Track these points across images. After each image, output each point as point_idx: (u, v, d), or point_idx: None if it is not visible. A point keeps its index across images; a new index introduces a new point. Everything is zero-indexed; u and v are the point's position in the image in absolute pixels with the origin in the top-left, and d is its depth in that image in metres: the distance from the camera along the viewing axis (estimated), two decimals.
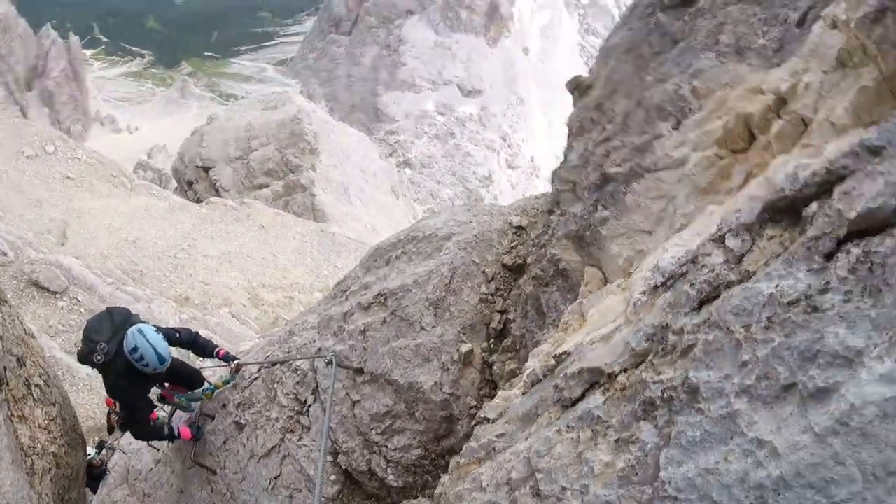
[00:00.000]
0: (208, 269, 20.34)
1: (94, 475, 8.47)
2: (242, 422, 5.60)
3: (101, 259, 19.68)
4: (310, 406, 5.10)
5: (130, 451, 8.43)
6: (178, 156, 34.52)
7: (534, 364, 2.70)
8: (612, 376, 2.02)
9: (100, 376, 5.34)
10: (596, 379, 2.10)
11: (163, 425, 5.81)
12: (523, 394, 2.65)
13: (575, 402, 2.17)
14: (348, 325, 4.99)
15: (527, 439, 2.32)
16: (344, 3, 76.48)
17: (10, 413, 4.01)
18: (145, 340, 4.94)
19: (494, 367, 4.27)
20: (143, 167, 50.97)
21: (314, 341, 5.23)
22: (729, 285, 1.75)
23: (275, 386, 5.39)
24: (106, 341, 5.05)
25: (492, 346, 4.44)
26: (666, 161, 2.67)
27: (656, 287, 2.08)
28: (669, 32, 3.04)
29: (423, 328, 4.49)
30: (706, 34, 2.87)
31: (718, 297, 1.77)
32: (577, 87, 4.01)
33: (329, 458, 4.91)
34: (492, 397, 4.25)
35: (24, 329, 5.06)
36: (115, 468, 8.26)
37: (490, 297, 4.61)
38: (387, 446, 4.55)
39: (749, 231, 1.79)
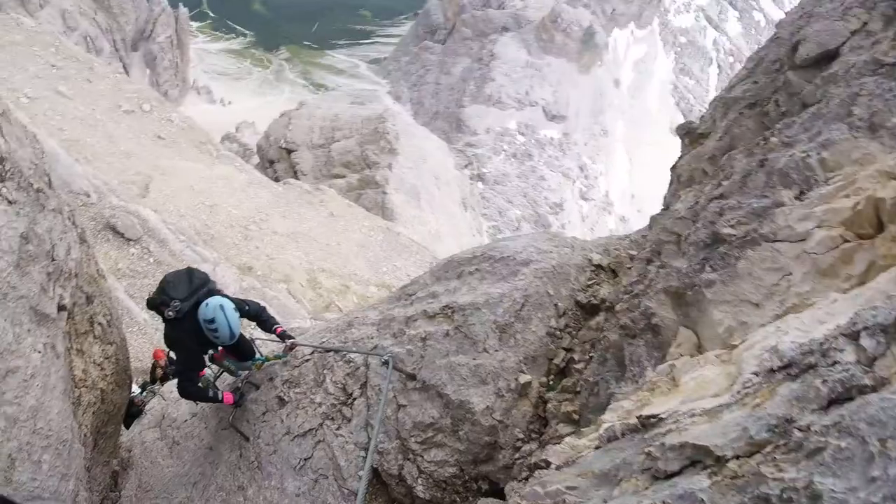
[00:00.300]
0: (275, 244, 20.86)
1: (132, 412, 8.72)
2: (286, 398, 5.66)
3: (177, 216, 20.37)
4: (355, 399, 5.11)
5: (170, 399, 8.65)
6: (264, 134, 35.58)
7: (612, 419, 2.59)
8: (721, 460, 1.91)
9: (158, 325, 5.52)
10: (700, 458, 1.98)
11: (208, 386, 5.95)
12: (597, 447, 2.55)
13: (669, 476, 2.06)
14: (410, 329, 4.99)
15: (606, 502, 2.21)
16: (442, 13, 77.41)
17: (69, 345, 4.17)
18: (224, 316, 5.10)
19: (549, 405, 4.18)
20: (229, 139, 52.52)
21: (372, 337, 5.26)
22: (863, 390, 1.64)
23: (325, 372, 5.43)
24: (181, 300, 5.21)
25: (551, 382, 4.36)
26: (786, 233, 2.54)
27: (772, 371, 1.97)
28: (799, 94, 2.93)
29: (485, 350, 4.45)
30: (839, 103, 2.75)
31: (851, 399, 1.66)
32: (689, 134, 3.92)
33: (362, 453, 4.91)
34: (540, 434, 4.16)
35: (98, 270, 5.27)
36: (152, 411, 8.49)
37: (558, 333, 4.53)
38: (423, 457, 4.52)
39: (885, 333, 1.68)
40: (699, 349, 2.90)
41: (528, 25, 70.75)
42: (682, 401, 2.36)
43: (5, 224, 3.21)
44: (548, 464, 2.75)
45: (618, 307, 3.49)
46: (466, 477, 4.38)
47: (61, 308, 3.77)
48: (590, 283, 4.76)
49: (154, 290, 5.53)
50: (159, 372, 13.26)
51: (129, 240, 18.14)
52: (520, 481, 3.84)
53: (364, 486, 2.75)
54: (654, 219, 4.27)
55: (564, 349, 4.46)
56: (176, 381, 10.94)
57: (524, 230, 50.24)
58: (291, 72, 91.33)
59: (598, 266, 4.86)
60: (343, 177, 29.74)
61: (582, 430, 2.97)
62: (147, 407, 9.36)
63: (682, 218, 3.27)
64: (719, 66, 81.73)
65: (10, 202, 3.33)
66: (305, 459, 5.23)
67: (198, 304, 5.26)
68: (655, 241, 3.49)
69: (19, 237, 3.28)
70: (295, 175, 30.20)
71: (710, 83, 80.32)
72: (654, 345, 3.20)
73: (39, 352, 3.33)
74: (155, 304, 5.43)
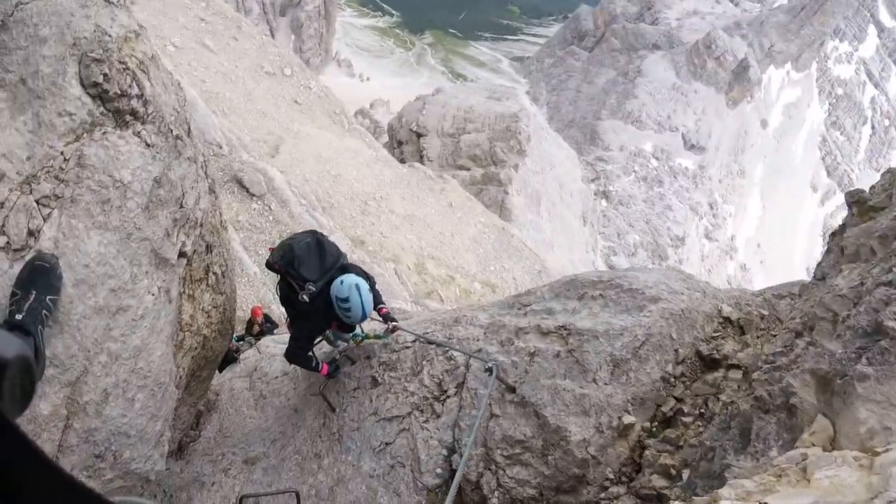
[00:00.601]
0: (390, 223, 21.32)
1: (227, 357, 9.12)
2: (379, 380, 5.67)
3: (301, 180, 21.18)
4: (448, 397, 5.05)
5: (264, 353, 8.95)
6: (397, 115, 36.42)
7: (730, 497, 2.37)
8: None
9: (267, 280, 5.59)
10: None
11: (311, 356, 6.04)
12: None
13: None
14: (518, 341, 4.86)
15: None
16: (592, 20, 76.12)
17: (182, 290, 4.26)
18: (359, 297, 5.05)
19: (647, 452, 3.93)
20: (362, 114, 54.21)
21: (478, 340, 5.17)
22: None
23: (423, 363, 5.40)
24: (314, 282, 5.19)
25: (654, 429, 4.10)
26: None
27: None
28: None
29: (594, 380, 4.25)
30: None
31: None
32: (858, 203, 3.52)
33: (444, 451, 4.85)
34: (630, 479, 3.93)
35: (221, 221, 5.37)
36: (245, 361, 8.79)
37: (672, 380, 4.25)
38: (505, 471, 4.39)
39: None
40: (832, 443, 2.60)
41: (679, 47, 68.34)
42: (813, 499, 2.11)
43: (140, 166, 3.29)
44: None
45: (755, 375, 3.20)
46: (545, 502, 4.22)
47: (182, 254, 3.86)
48: (715, 334, 4.43)
49: (277, 252, 5.47)
50: (255, 328, 13.85)
51: (252, 195, 19.03)
52: None
53: (453, 494, 2.67)
54: (806, 287, 3.90)
55: (675, 398, 4.17)
56: (271, 337, 11.40)
57: (640, 257, 48.66)
58: (433, 57, 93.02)
59: (727, 319, 4.52)
60: (468, 169, 29.94)
61: (695, 498, 2.73)
62: (242, 356, 9.75)
63: (843, 296, 2.94)
64: (873, 127, 75.79)
65: (148, 145, 3.42)
66: (386, 444, 5.22)
67: (330, 281, 5.24)
68: (808, 314, 3.16)
69: (152, 180, 3.36)
70: (421, 160, 30.72)
71: (861, 143, 74.69)
72: (786, 426, 2.91)
73: (153, 294, 3.41)
74: (274, 269, 5.44)
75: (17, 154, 2.93)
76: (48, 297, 2.79)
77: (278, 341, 10.56)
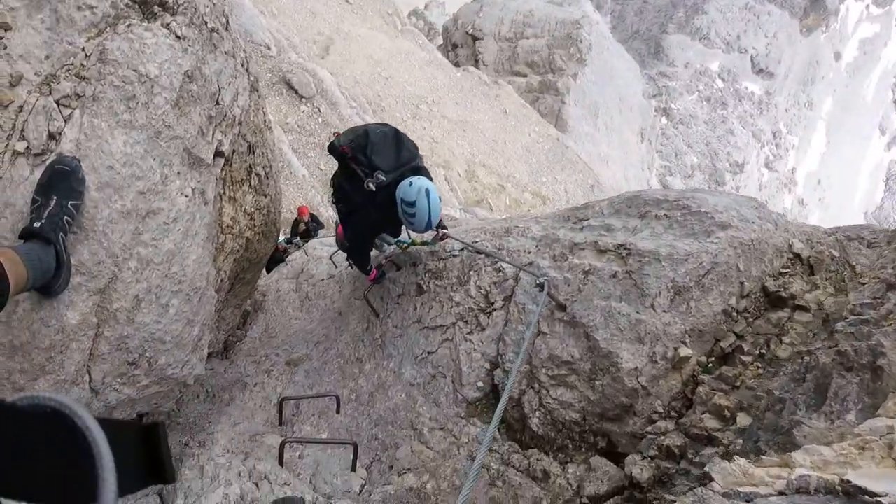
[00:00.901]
0: (442, 129, 20.84)
1: (275, 258, 9.18)
2: (425, 288, 5.53)
3: (352, 82, 20.76)
4: (495, 309, 4.86)
5: (312, 256, 8.98)
6: (453, 16, 35.03)
7: (805, 463, 2.10)
8: None
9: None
10: None
11: (368, 257, 5.82)
12: (780, 493, 2.09)
13: None
14: (573, 257, 4.58)
15: None
16: None
17: (222, 191, 4.10)
18: (427, 203, 4.65)
19: (700, 389, 3.67)
20: (416, 15, 52.34)
21: (529, 252, 4.90)
22: None
23: (471, 273, 5.20)
24: (386, 172, 4.81)
25: (710, 365, 3.83)
26: None
27: None
28: None
29: (652, 307, 3.95)
30: None
31: None
32: None
33: (486, 365, 4.72)
34: (680, 415, 3.71)
35: (265, 120, 5.09)
36: (293, 262, 8.83)
37: (734, 314, 3.93)
38: (549, 391, 4.23)
39: None
40: None
41: None
42: None
43: (169, 59, 3.04)
44: (709, 478, 2.33)
45: (839, 326, 2.87)
46: (587, 427, 4.05)
47: (218, 154, 3.64)
48: (783, 271, 4.06)
49: (347, 136, 5.10)
50: (301, 226, 13.97)
51: (301, 97, 18.74)
52: (644, 458, 3.47)
53: (500, 411, 2.49)
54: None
55: (736, 334, 3.87)
56: (318, 240, 11.41)
57: (696, 180, 47.23)
58: None
59: (797, 256, 4.14)
60: (524, 76, 28.82)
61: (763, 458, 2.48)
62: (289, 258, 9.82)
63: None
64: None
65: (178, 37, 3.16)
66: (429, 353, 5.12)
67: (401, 178, 4.84)
68: None
69: (183, 75, 3.11)
70: (475, 64, 29.68)
71: None
72: (869, 388, 2.60)
73: (187, 196, 3.22)
74: (338, 153, 5.04)
75: (34, 54, 2.79)
76: (70, 202, 2.62)
77: (325, 244, 10.60)
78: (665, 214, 4.47)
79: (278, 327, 6.72)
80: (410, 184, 4.70)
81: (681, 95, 53.95)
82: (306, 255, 9.42)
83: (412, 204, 4.65)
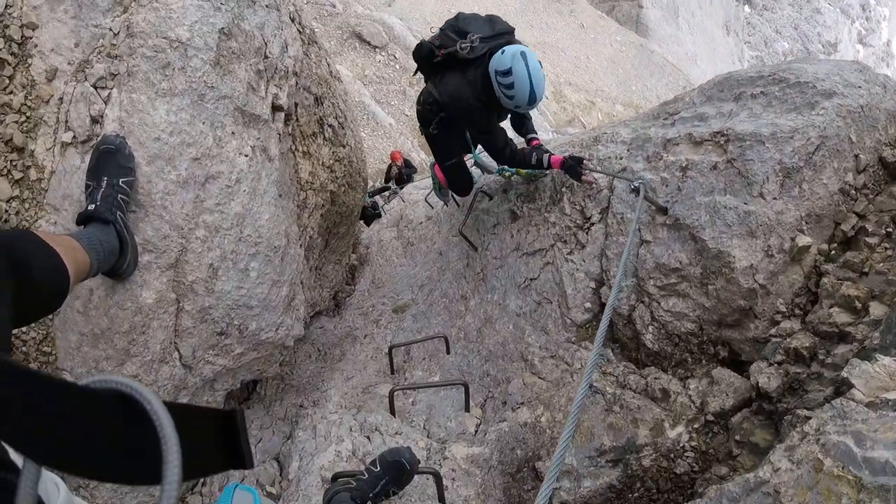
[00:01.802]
0: None
1: (366, 214, 9.25)
2: (518, 213, 5.29)
3: (423, 24, 20.31)
4: (593, 224, 4.56)
5: (409, 201, 8.95)
6: None
7: None
8: None
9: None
10: None
11: (470, 175, 5.54)
12: None
13: None
14: (668, 154, 4.16)
15: None
16: None
17: (293, 146, 3.98)
18: (526, 69, 4.01)
19: (825, 280, 3.23)
20: None
21: (621, 158, 4.51)
22: None
23: (563, 189, 4.88)
24: (480, 37, 4.26)
25: (832, 252, 3.36)
26: None
27: None
28: None
29: (761, 195, 3.52)
30: None
31: None
32: None
33: (591, 284, 4.46)
34: (805, 312, 3.30)
35: (331, 71, 4.88)
36: (391, 212, 8.84)
37: (853, 192, 3.42)
38: (660, 303, 3.92)
39: None
40: None
41: None
42: None
43: (199, 20, 2.90)
44: (847, 385, 2.00)
45: None
46: (705, 338, 3.73)
47: (277, 108, 3.51)
48: None
49: (434, 34, 4.67)
50: (394, 171, 14.03)
51: (374, 47, 18.55)
52: (770, 365, 3.11)
53: (603, 328, 2.25)
54: None
55: (857, 214, 3.38)
56: (412, 184, 11.36)
57: None
58: None
59: None
60: None
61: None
62: (388, 207, 9.86)
63: None
64: None
65: None
66: (531, 280, 4.92)
67: (492, 53, 4.25)
68: None
69: (218, 33, 2.97)
70: None
71: None
72: None
73: (247, 155, 3.12)
74: (425, 48, 4.56)
75: (64, 45, 2.79)
76: (121, 179, 2.58)
77: (419, 187, 10.55)
78: (761, 92, 3.93)
79: (384, 277, 6.74)
80: (503, 52, 4.13)
81: None
82: (403, 201, 9.42)
83: (507, 73, 4.06)
